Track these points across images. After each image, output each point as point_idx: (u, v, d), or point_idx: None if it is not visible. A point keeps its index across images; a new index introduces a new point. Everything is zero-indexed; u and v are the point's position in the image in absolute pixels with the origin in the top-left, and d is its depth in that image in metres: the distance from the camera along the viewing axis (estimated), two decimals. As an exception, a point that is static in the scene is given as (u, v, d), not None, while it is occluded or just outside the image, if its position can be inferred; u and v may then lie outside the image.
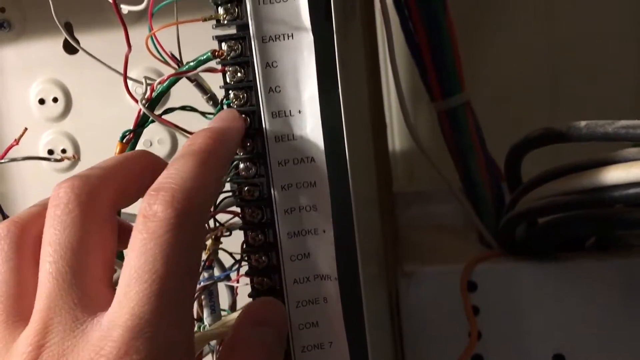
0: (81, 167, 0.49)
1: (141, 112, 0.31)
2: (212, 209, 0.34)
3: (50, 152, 0.48)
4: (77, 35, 0.44)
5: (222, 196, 0.34)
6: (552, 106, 0.66)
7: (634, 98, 0.64)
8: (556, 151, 0.38)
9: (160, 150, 0.47)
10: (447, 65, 0.47)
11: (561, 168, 0.36)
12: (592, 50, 0.64)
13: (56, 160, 0.30)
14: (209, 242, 0.35)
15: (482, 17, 0.65)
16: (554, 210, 0.36)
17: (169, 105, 0.32)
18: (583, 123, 0.32)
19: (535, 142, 0.36)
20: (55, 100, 0.47)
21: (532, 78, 0.66)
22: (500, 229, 0.44)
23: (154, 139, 0.47)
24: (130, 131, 0.31)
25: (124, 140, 0.31)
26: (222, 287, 0.37)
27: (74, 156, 0.28)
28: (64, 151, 0.47)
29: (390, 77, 0.59)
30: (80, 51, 0.35)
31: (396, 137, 0.69)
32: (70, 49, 0.46)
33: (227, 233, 0.34)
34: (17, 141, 0.29)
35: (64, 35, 0.36)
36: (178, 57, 0.32)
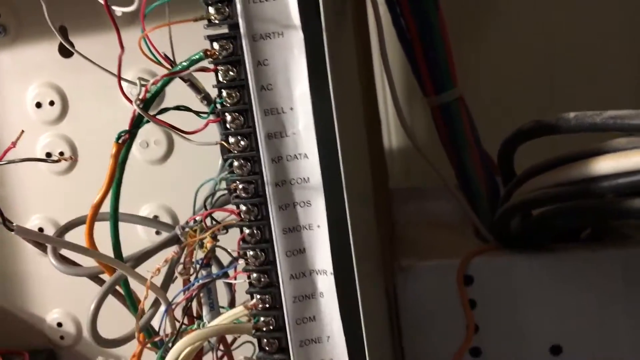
0: (79, 169, 0.49)
1: (136, 113, 0.31)
2: (209, 207, 0.34)
3: (48, 155, 0.48)
4: (72, 39, 0.45)
5: (218, 194, 0.34)
6: (549, 102, 0.66)
7: (631, 94, 0.64)
8: (553, 144, 0.38)
9: (157, 150, 0.48)
10: (439, 61, 0.47)
11: (553, 160, 0.36)
12: (590, 46, 0.64)
13: (53, 162, 0.30)
14: (206, 241, 0.35)
15: (479, 13, 0.65)
16: (546, 202, 0.36)
17: (165, 105, 0.32)
18: (572, 114, 0.33)
19: (526, 134, 0.36)
20: (51, 103, 0.48)
21: (529, 74, 0.66)
22: (495, 222, 0.44)
23: (150, 140, 0.47)
24: (125, 132, 0.32)
25: (120, 141, 0.32)
26: (221, 285, 0.38)
27: (70, 157, 0.28)
28: (61, 154, 0.47)
29: (384, 74, 0.60)
30: (76, 54, 0.36)
31: (393, 134, 0.69)
32: (65, 52, 0.47)
33: (224, 231, 0.34)
34: (14, 144, 0.29)
35: (59, 38, 0.36)
36: (171, 58, 0.32)
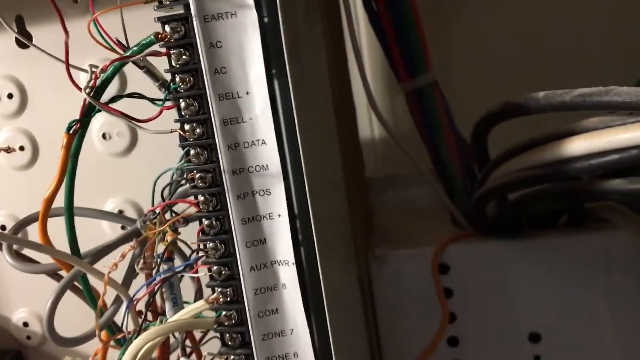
0: (41, 163, 0.48)
1: (87, 102, 0.30)
2: (168, 199, 0.33)
3: (7, 149, 0.47)
4: (30, 29, 0.43)
5: (177, 184, 0.33)
6: (530, 86, 0.65)
7: (610, 74, 0.63)
8: (533, 128, 0.37)
9: (119, 143, 0.46)
10: (412, 45, 0.46)
11: (526, 143, 0.35)
12: (570, 29, 0.63)
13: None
14: (167, 233, 0.34)
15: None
16: (520, 186, 0.35)
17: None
18: (541, 94, 0.31)
19: (496, 116, 0.35)
20: (10, 96, 0.46)
21: (508, 57, 0.65)
22: (471, 209, 0.43)
23: (112, 131, 0.46)
24: (76, 121, 0.30)
25: (71, 131, 0.31)
26: (187, 279, 0.36)
27: (8, 147, 0.27)
28: (22, 148, 0.46)
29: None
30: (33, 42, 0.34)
31: (375, 123, 0.68)
32: (23, 43, 0.45)
33: (183, 223, 0.33)
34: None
35: (16, 28, 0.35)
36: (124, 43, 0.31)
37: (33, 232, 0.36)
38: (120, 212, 0.48)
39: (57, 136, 0.42)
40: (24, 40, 0.35)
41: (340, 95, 0.46)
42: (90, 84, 0.30)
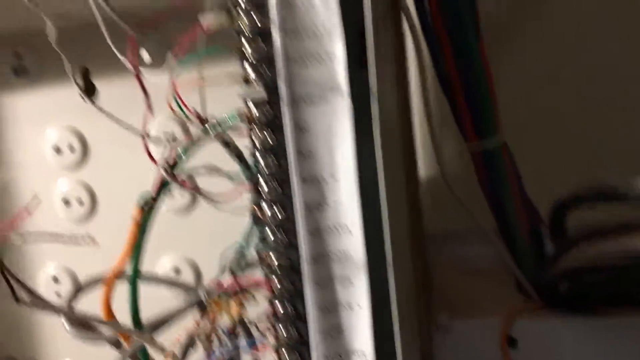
0: (98, 217, 0.47)
1: (162, 176, 0.29)
2: (236, 272, 0.32)
3: (66, 202, 0.46)
4: (96, 81, 0.42)
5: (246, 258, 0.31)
6: (599, 147, 0.61)
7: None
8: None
9: (180, 200, 0.45)
10: (482, 104, 0.44)
11: (613, 226, 0.33)
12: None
13: (74, 243, 0.28)
14: (232, 309, 0.32)
15: (519, 45, 0.61)
16: (606, 272, 0.33)
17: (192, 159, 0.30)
18: (643, 182, 0.29)
19: (586, 200, 0.33)
20: (71, 148, 0.45)
21: (577, 116, 0.61)
22: (543, 284, 0.41)
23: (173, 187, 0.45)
24: (152, 197, 0.29)
25: (146, 208, 0.29)
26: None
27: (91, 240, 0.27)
28: (80, 202, 0.45)
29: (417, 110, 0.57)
30: (99, 96, 0.34)
31: (422, 170, 0.65)
32: (87, 94, 0.45)
33: (252, 299, 0.32)
34: (28, 212, 0.27)
35: (81, 81, 0.34)
36: (203, 116, 0.30)
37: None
38: (176, 269, 0.47)
39: (117, 190, 0.42)
40: (85, 98, 0.34)
41: (408, 156, 0.45)
42: (167, 158, 0.28)
